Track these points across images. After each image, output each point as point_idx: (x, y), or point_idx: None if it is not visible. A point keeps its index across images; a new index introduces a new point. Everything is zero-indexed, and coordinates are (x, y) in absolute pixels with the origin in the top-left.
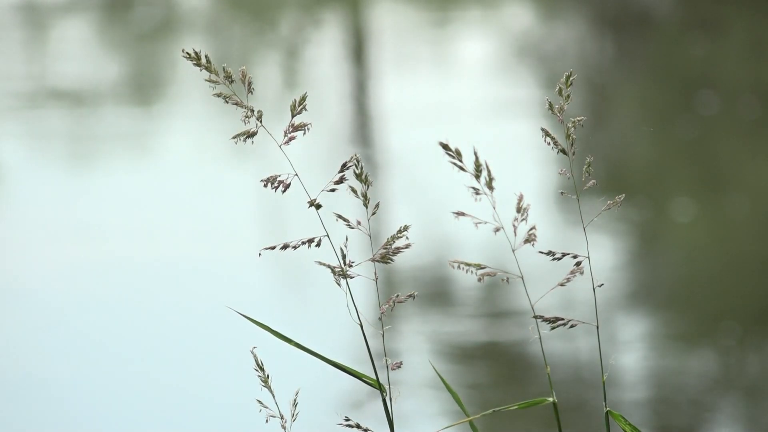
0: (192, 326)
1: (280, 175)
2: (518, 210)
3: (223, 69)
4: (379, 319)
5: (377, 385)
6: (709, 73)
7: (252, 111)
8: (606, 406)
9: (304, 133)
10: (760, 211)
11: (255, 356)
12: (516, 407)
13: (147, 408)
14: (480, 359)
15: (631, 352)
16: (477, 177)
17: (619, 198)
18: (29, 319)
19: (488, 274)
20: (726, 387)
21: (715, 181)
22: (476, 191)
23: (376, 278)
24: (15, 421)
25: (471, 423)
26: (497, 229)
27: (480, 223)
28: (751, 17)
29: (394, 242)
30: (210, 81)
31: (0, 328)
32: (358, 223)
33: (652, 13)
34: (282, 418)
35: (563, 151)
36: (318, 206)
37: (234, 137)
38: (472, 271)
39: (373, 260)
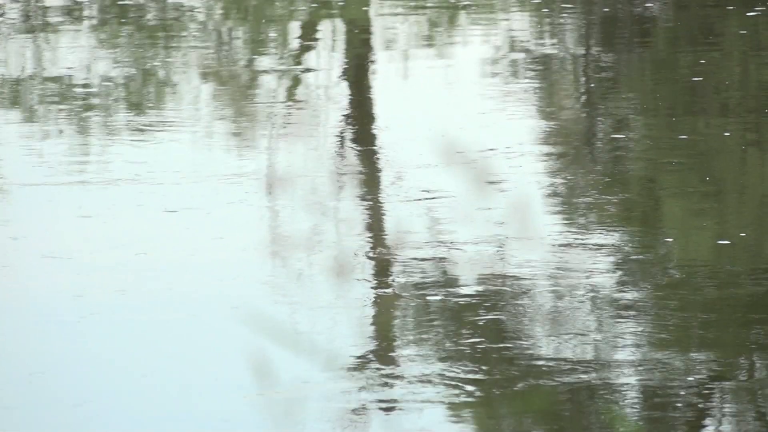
0: (190, 325)
1: (279, 174)
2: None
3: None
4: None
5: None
6: (708, 76)
7: None
8: (605, 405)
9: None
10: (757, 213)
11: (255, 356)
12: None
13: (144, 408)
14: (478, 360)
15: (631, 350)
16: None
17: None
18: (29, 320)
19: None
20: (725, 386)
21: (713, 183)
22: None
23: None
24: (15, 418)
25: None
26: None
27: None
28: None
29: (394, 245)
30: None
31: (3, 327)
32: (356, 223)
33: (651, 15)
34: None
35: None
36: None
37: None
38: None
39: (372, 259)
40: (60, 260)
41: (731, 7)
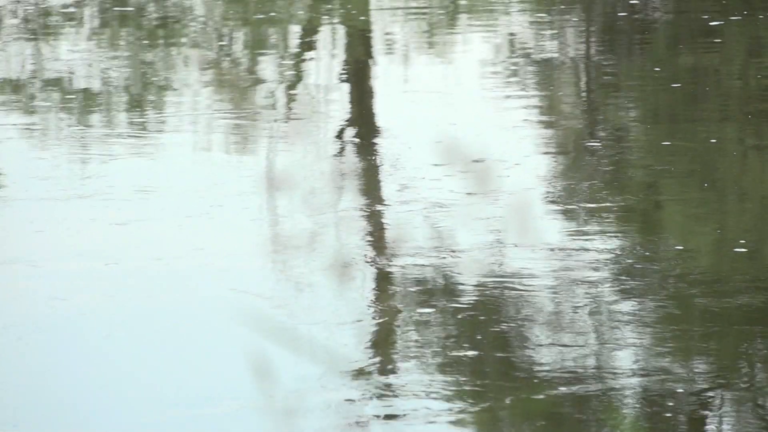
0: (188, 326)
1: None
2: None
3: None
4: None
5: None
6: (707, 78)
7: None
8: (608, 415)
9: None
10: (757, 214)
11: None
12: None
13: (141, 409)
14: (479, 369)
15: (634, 359)
16: None
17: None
18: (27, 315)
19: None
20: (726, 384)
21: (713, 181)
22: None
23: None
24: (15, 418)
25: None
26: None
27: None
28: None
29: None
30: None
31: (4, 327)
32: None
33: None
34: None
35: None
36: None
37: None
38: None
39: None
40: (24, 265)
41: (706, 16)
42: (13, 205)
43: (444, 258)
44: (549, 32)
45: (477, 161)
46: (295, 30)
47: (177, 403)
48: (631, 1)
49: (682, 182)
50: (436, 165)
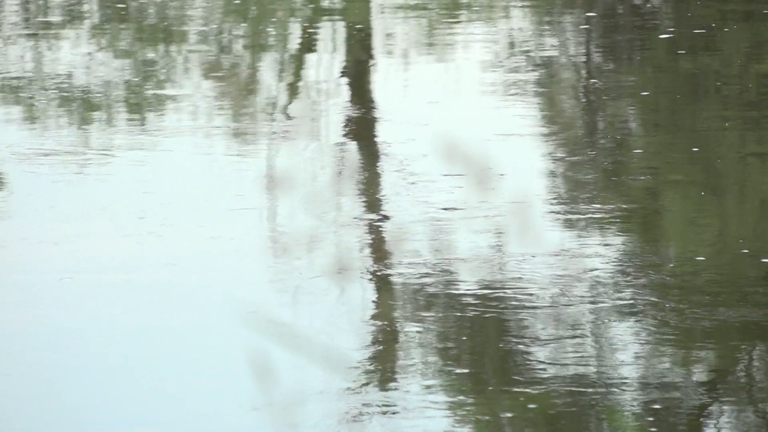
0: (188, 328)
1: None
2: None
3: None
4: None
5: None
6: (707, 77)
7: None
8: (606, 406)
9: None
10: (758, 212)
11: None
12: None
13: (141, 410)
14: (481, 375)
15: (631, 350)
16: None
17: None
18: (27, 313)
19: None
20: (727, 386)
21: (714, 181)
22: None
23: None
24: (15, 418)
25: None
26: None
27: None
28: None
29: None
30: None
31: (3, 323)
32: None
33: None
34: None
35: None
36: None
37: None
38: None
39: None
40: None
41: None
42: None
43: (444, 265)
44: (548, 35)
45: (475, 168)
46: (292, 32)
47: (173, 416)
48: (589, 14)
49: (676, 188)
50: (436, 171)
